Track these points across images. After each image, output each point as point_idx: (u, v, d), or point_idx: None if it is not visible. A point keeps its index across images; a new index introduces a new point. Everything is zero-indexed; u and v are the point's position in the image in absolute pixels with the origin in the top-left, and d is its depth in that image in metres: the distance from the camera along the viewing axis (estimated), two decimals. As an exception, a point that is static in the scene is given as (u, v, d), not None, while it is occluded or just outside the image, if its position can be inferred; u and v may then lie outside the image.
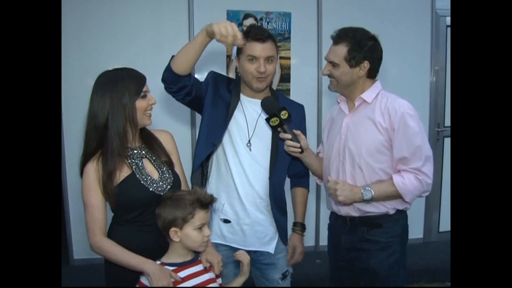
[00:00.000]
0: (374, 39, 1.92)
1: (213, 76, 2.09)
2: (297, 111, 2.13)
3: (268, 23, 3.59)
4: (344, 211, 1.98)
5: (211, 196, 1.67)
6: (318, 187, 3.63)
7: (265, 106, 1.94)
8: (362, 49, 1.87)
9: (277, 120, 1.86)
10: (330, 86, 2.00)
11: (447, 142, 4.01)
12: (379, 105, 1.90)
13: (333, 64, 1.91)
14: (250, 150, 2.02)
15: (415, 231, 4.02)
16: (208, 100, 2.03)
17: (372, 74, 1.94)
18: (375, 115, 1.88)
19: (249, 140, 2.02)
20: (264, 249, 2.08)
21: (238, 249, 2.00)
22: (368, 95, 1.92)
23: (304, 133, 2.08)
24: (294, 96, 3.68)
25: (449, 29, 3.89)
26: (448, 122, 3.98)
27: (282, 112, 1.87)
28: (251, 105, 2.06)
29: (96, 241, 1.63)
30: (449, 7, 1.54)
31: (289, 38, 3.62)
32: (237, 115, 2.04)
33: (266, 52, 1.95)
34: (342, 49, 1.88)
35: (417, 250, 3.86)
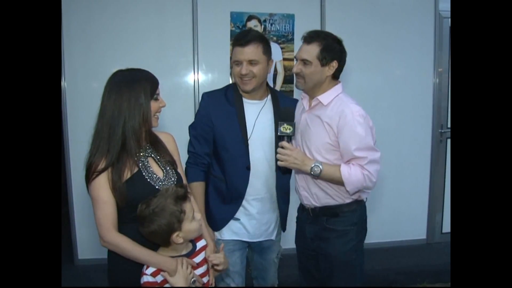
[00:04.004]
0: (341, 43, 2.07)
1: (206, 103, 2.21)
2: (294, 106, 2.24)
3: (271, 25, 3.61)
4: (305, 199, 2.15)
5: (182, 185, 1.68)
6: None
7: (284, 112, 2.07)
8: (333, 50, 2.01)
9: (290, 129, 1.99)
10: (298, 84, 2.10)
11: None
12: (332, 107, 2.03)
13: (305, 62, 2.02)
14: (248, 148, 2.13)
15: (418, 231, 4.05)
16: (218, 128, 2.15)
17: (336, 75, 2.08)
18: (326, 117, 2.01)
19: (248, 139, 2.14)
20: (268, 237, 2.29)
21: (246, 242, 2.24)
22: (325, 97, 2.05)
23: None
24: (297, 97, 3.69)
25: (452, 30, 3.89)
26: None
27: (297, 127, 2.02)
28: (250, 107, 2.18)
29: (112, 237, 1.63)
30: (451, 9, 1.54)
31: (292, 39, 3.64)
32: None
33: (247, 56, 2.07)
34: (315, 48, 2.00)
35: (420, 250, 3.89)
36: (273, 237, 2.30)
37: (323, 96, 2.04)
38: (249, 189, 2.16)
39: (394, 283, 3.37)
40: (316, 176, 2.00)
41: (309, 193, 2.12)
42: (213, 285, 1.77)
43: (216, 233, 2.21)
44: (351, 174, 1.95)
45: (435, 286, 3.39)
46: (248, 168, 2.14)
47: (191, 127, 2.23)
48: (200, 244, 1.76)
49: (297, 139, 2.15)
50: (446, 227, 4.03)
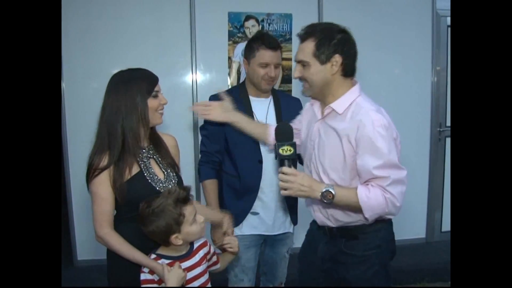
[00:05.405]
0: (344, 32, 1.74)
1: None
2: (295, 104, 2.36)
3: (269, 25, 3.60)
4: (319, 220, 1.87)
5: (185, 188, 1.67)
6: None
7: (281, 130, 1.75)
8: (331, 42, 1.69)
9: (290, 150, 1.66)
10: (303, 90, 1.82)
11: (449, 142, 4.01)
12: (350, 117, 1.71)
13: (303, 64, 1.75)
14: (259, 142, 2.20)
15: (418, 230, 4.06)
16: (228, 126, 2.17)
17: (347, 72, 1.75)
18: (343, 129, 1.70)
19: None
20: (287, 230, 2.35)
21: (266, 235, 2.31)
22: (340, 104, 1.74)
23: None
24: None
25: (450, 29, 3.89)
26: (450, 122, 3.98)
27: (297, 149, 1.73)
28: (258, 104, 2.28)
29: (104, 233, 1.66)
30: (449, 7, 1.53)
31: (290, 39, 3.63)
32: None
33: (276, 60, 2.20)
34: (310, 45, 1.71)
35: (419, 249, 3.89)
36: (291, 230, 2.37)
37: (336, 103, 1.73)
38: (265, 182, 2.22)
39: (393, 282, 3.36)
40: (329, 203, 1.68)
41: (324, 215, 1.83)
42: (210, 285, 1.77)
43: (236, 229, 2.23)
44: (370, 197, 1.63)
45: (434, 285, 3.39)
46: (260, 161, 2.20)
47: (201, 128, 2.32)
48: (197, 243, 1.75)
49: (308, 149, 1.87)
50: (446, 226, 4.04)
